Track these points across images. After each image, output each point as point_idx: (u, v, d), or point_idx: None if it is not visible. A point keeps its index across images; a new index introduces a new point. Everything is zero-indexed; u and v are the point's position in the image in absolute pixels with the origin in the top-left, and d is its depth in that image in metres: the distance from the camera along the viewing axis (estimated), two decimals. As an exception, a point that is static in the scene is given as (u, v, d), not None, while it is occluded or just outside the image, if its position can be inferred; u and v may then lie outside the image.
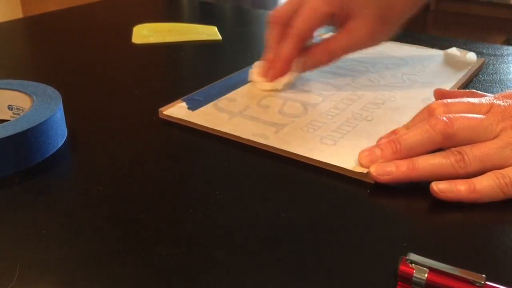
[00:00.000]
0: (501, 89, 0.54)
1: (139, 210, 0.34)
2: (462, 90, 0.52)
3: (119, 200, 0.35)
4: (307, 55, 0.50)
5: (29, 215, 0.33)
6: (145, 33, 0.74)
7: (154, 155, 0.41)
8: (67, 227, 0.32)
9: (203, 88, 0.52)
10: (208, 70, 0.61)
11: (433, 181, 0.35)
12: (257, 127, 0.44)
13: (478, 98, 0.40)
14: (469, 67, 0.57)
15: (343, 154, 0.39)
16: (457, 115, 0.37)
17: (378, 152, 0.38)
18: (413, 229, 0.32)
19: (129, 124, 0.46)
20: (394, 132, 0.41)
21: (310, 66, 0.52)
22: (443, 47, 0.63)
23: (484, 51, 0.66)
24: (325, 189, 0.36)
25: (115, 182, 0.37)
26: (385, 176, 0.36)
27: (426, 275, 0.26)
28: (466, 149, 0.36)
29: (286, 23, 0.50)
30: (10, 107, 0.44)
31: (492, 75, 0.57)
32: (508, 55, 0.64)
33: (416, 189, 0.36)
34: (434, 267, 0.27)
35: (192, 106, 0.48)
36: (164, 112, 0.47)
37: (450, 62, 0.59)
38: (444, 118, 0.37)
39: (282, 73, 0.51)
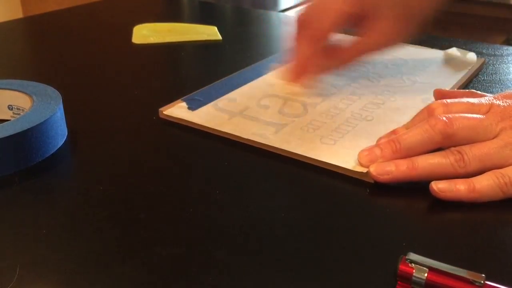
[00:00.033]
0: (501, 89, 0.54)
1: (139, 210, 0.34)
2: (462, 90, 0.52)
3: (119, 200, 0.35)
4: (330, 57, 0.50)
5: (29, 215, 0.33)
6: (145, 33, 0.74)
7: (154, 155, 0.41)
8: (67, 227, 0.32)
9: (203, 88, 0.52)
10: (208, 70, 0.61)
11: (432, 180, 0.35)
12: (257, 127, 0.44)
13: (478, 98, 0.40)
14: (469, 67, 0.57)
15: (343, 154, 0.39)
16: (456, 115, 0.37)
17: (377, 151, 0.38)
18: (413, 229, 0.32)
19: (129, 124, 0.46)
20: (394, 132, 0.41)
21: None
22: (443, 47, 0.63)
23: (484, 51, 0.66)
24: (325, 189, 0.36)
25: (115, 182, 0.37)
26: (384, 176, 0.36)
27: (426, 274, 0.26)
28: (466, 148, 0.36)
29: (307, 26, 0.48)
30: (10, 107, 0.44)
31: (492, 75, 0.57)
32: (508, 55, 0.64)
33: (416, 188, 0.36)
34: (433, 266, 0.27)
35: (192, 106, 0.48)
36: (164, 112, 0.47)
37: (450, 62, 0.59)
38: (444, 118, 0.37)
39: (301, 75, 0.50)
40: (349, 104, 0.48)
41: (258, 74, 0.56)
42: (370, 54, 0.51)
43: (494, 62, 0.62)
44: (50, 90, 0.44)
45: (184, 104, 0.48)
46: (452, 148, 0.36)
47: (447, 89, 0.50)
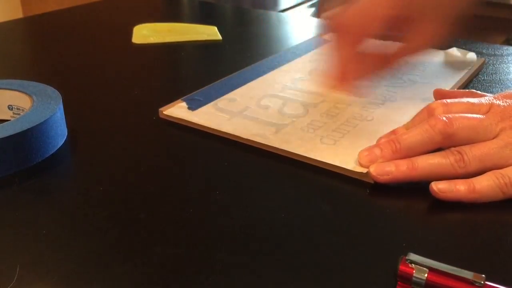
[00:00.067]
0: (501, 89, 0.54)
1: (139, 210, 0.34)
2: (462, 90, 0.52)
3: (119, 200, 0.35)
4: (374, 61, 0.48)
5: (29, 215, 0.33)
6: (145, 33, 0.74)
7: (154, 155, 0.41)
8: (67, 227, 0.32)
9: (203, 88, 0.52)
10: (208, 70, 0.61)
11: (432, 181, 0.35)
12: (257, 127, 0.44)
13: (478, 98, 0.40)
14: (469, 67, 0.57)
15: (343, 154, 0.39)
16: (456, 115, 0.37)
17: (377, 152, 0.38)
18: (413, 229, 0.32)
19: (129, 124, 0.46)
20: (393, 132, 0.41)
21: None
22: (443, 47, 0.63)
23: (484, 51, 0.66)
24: (325, 189, 0.36)
25: (115, 182, 0.37)
26: (384, 176, 0.36)
27: (426, 275, 0.26)
28: (466, 149, 0.36)
29: (350, 30, 0.47)
30: (10, 107, 0.44)
31: (492, 75, 0.57)
32: (508, 55, 0.64)
33: (416, 189, 0.36)
34: (434, 267, 0.27)
35: (192, 106, 0.48)
36: (164, 112, 0.47)
37: (450, 62, 0.59)
38: (444, 118, 0.37)
39: (345, 81, 0.49)
40: (349, 104, 0.48)
41: (258, 74, 0.56)
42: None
43: (494, 62, 0.62)
44: (50, 90, 0.44)
45: (184, 104, 0.48)
46: (452, 148, 0.36)
47: (447, 89, 0.50)
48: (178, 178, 0.38)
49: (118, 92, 0.54)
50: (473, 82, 0.56)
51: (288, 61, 0.60)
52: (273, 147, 0.41)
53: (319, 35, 0.71)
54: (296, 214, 0.33)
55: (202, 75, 0.58)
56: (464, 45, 0.66)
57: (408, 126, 0.41)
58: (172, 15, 0.91)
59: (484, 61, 0.60)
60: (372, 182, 0.37)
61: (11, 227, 0.32)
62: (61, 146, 0.42)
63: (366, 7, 0.46)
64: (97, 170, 0.39)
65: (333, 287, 0.27)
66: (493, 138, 0.36)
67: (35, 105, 0.41)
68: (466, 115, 0.37)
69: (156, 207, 0.34)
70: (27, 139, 0.38)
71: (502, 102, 0.38)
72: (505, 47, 0.68)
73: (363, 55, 0.48)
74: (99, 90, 0.54)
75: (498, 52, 0.66)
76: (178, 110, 0.47)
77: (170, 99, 0.49)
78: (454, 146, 0.37)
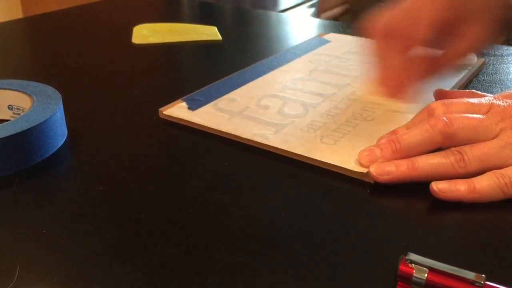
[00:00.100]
0: (501, 89, 0.54)
1: (139, 210, 0.34)
2: (462, 90, 0.52)
3: (119, 200, 0.35)
4: (426, 66, 0.47)
5: (29, 215, 0.33)
6: (145, 33, 0.74)
7: (154, 155, 0.41)
8: (67, 227, 0.32)
9: (203, 88, 0.52)
10: (208, 70, 0.61)
11: (433, 181, 0.35)
12: (257, 127, 0.44)
13: (478, 98, 0.40)
14: (469, 67, 0.57)
15: (343, 154, 0.39)
16: (457, 115, 0.37)
17: (377, 152, 0.38)
18: (413, 229, 0.32)
19: (129, 124, 0.46)
20: (394, 132, 0.41)
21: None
22: (487, 50, 0.63)
23: (484, 51, 0.65)
24: (325, 189, 0.36)
25: (115, 182, 0.37)
26: (384, 176, 0.36)
27: (426, 275, 0.26)
28: (466, 149, 0.36)
29: (396, 35, 0.46)
30: (10, 107, 0.44)
31: (492, 75, 0.57)
32: (508, 55, 0.64)
33: (416, 189, 0.36)
34: (434, 267, 0.27)
35: (192, 106, 0.48)
36: (164, 112, 0.47)
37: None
38: (444, 118, 0.37)
39: (405, 86, 0.47)
40: (349, 104, 0.48)
41: (258, 74, 0.56)
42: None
43: (494, 62, 0.62)
44: (50, 90, 0.44)
45: (184, 104, 0.48)
46: (452, 148, 0.36)
47: (447, 89, 0.50)
48: (178, 178, 0.38)
49: (118, 92, 0.54)
50: (473, 82, 0.56)
51: (288, 61, 0.60)
52: (273, 147, 0.41)
53: (320, 35, 0.71)
54: (296, 214, 0.33)
55: (202, 75, 0.58)
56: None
57: (408, 126, 0.41)
58: (172, 15, 0.91)
59: (484, 61, 0.60)
60: (372, 182, 0.37)
61: (11, 227, 0.32)
62: (61, 146, 0.42)
63: (411, 10, 0.45)
64: (97, 170, 0.39)
65: (333, 287, 0.27)
66: (493, 138, 0.36)
67: (35, 105, 0.41)
68: (466, 115, 0.37)
69: (156, 207, 0.34)
70: (27, 139, 0.38)
71: (502, 102, 0.38)
72: (505, 47, 0.68)
73: (412, 60, 0.46)
74: (99, 90, 0.54)
75: (498, 52, 0.66)
76: (178, 110, 0.47)
77: (170, 99, 0.49)
78: (454, 146, 0.37)
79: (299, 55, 0.62)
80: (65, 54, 0.66)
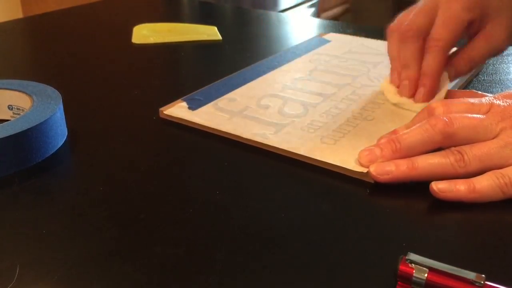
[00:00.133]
0: (501, 89, 0.54)
1: (139, 210, 0.34)
2: (462, 90, 0.52)
3: (119, 200, 0.35)
4: (448, 66, 0.47)
5: (29, 215, 0.33)
6: (145, 33, 0.74)
7: (154, 155, 0.41)
8: (67, 227, 0.32)
9: (203, 88, 0.52)
10: (208, 70, 0.61)
11: (432, 180, 0.35)
12: (257, 127, 0.44)
13: (478, 98, 0.40)
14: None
15: (343, 154, 0.39)
16: (457, 115, 0.37)
17: (377, 151, 0.38)
18: (413, 229, 0.32)
19: (129, 124, 0.46)
20: (394, 131, 0.41)
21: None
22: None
23: (503, 51, 0.65)
24: (325, 189, 0.36)
25: (115, 182, 0.37)
26: (384, 176, 0.36)
27: (426, 275, 0.26)
28: (466, 148, 0.36)
29: (423, 36, 0.46)
30: (10, 107, 0.44)
31: (492, 75, 0.57)
32: (508, 55, 0.64)
33: (416, 189, 0.36)
34: (434, 267, 0.27)
35: (193, 106, 0.48)
36: (164, 112, 0.47)
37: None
38: (444, 118, 0.37)
39: (434, 90, 0.46)
40: (349, 104, 0.48)
41: (258, 74, 0.56)
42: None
43: (494, 62, 0.62)
44: (50, 90, 0.44)
45: (184, 104, 0.48)
46: (452, 148, 0.36)
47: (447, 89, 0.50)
48: (178, 178, 0.38)
49: (118, 92, 0.54)
50: (473, 82, 0.56)
51: (288, 61, 0.60)
52: (273, 146, 0.41)
53: (320, 35, 0.71)
54: (296, 214, 0.33)
55: (202, 75, 0.58)
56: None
57: (408, 126, 0.41)
58: (172, 15, 0.91)
59: (484, 61, 0.60)
60: (372, 181, 0.37)
61: (11, 227, 0.32)
62: (61, 146, 0.42)
63: (438, 10, 0.45)
64: (97, 170, 0.39)
65: (333, 287, 0.27)
66: (493, 138, 0.36)
67: (35, 105, 0.41)
68: (467, 115, 0.37)
69: (156, 207, 0.34)
70: (27, 139, 0.38)
71: (502, 102, 0.38)
72: (505, 47, 0.68)
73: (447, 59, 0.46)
74: (99, 90, 0.54)
75: (498, 52, 0.66)
76: (178, 110, 0.47)
77: (170, 99, 0.49)
78: (454, 146, 0.37)
79: (299, 55, 0.62)
80: (65, 54, 0.66)
